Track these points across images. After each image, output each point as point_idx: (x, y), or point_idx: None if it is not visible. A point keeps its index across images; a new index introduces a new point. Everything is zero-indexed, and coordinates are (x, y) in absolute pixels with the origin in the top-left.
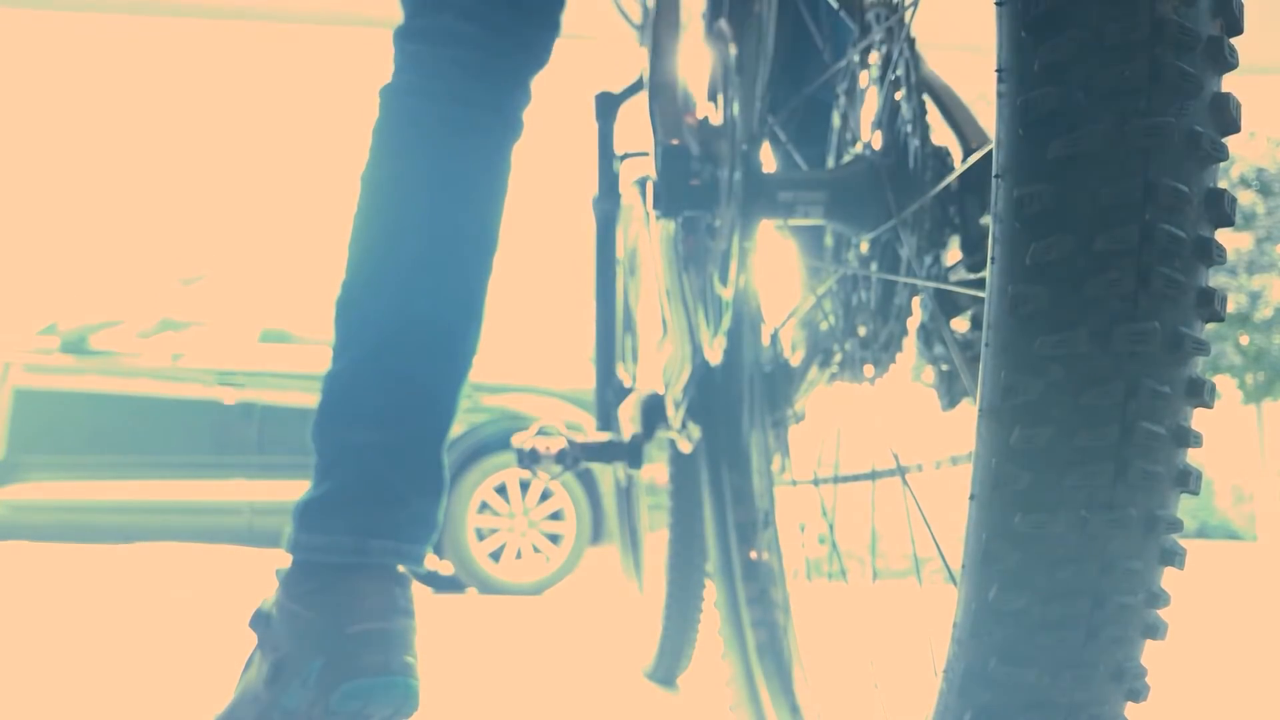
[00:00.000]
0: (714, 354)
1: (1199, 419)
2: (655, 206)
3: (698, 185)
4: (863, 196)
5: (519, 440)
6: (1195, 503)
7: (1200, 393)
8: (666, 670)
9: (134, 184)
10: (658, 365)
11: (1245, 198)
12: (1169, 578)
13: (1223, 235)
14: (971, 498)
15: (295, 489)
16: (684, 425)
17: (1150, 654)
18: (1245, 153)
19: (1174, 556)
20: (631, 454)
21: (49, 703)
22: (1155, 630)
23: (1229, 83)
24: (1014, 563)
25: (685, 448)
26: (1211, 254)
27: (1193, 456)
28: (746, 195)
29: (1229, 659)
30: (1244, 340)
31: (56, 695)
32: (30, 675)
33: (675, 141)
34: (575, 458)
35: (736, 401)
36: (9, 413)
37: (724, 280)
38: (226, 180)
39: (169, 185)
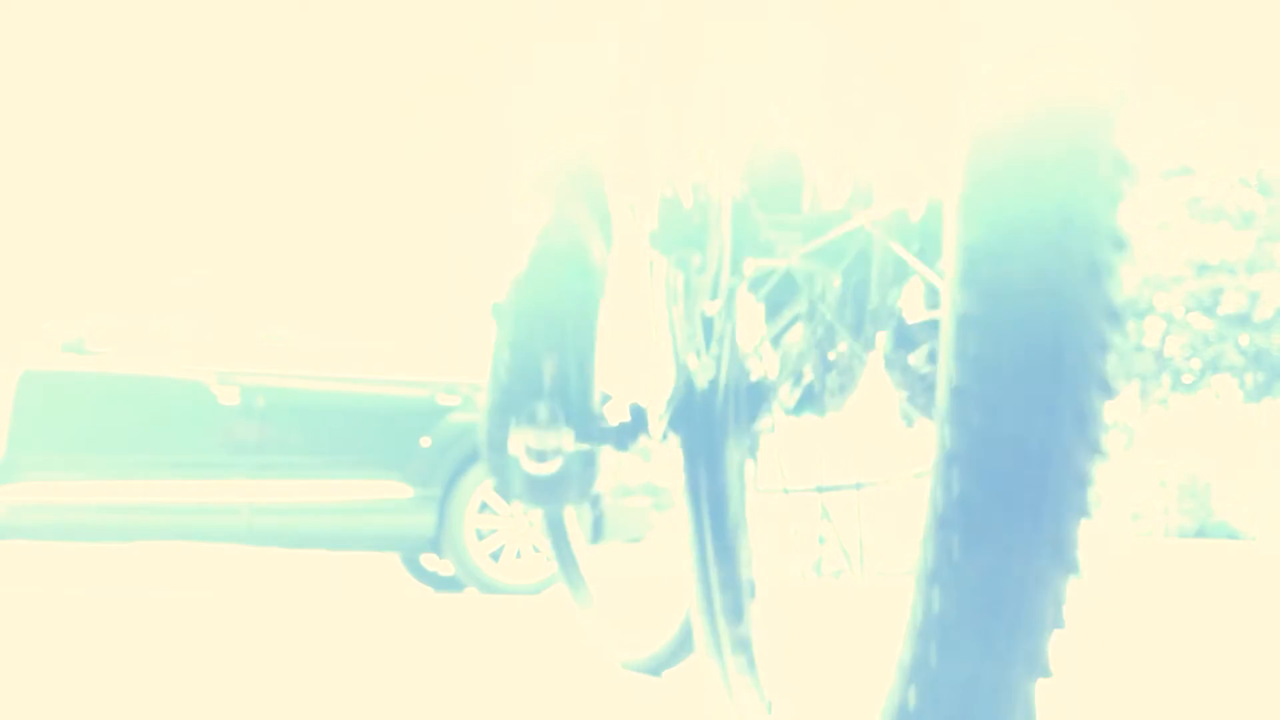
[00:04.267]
0: (697, 372)
1: (1199, 419)
2: (654, 245)
3: (690, 228)
4: (835, 240)
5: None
6: (1195, 502)
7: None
8: (659, 662)
9: (135, 183)
10: (642, 379)
11: (1245, 198)
12: (1169, 578)
13: (1223, 235)
14: (926, 511)
15: (295, 489)
16: (665, 435)
17: (1151, 653)
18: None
19: (1075, 566)
20: (619, 436)
21: (49, 702)
22: (1059, 621)
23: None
24: (950, 568)
25: (666, 457)
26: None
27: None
28: (734, 236)
29: (1229, 659)
30: (1244, 340)
31: (57, 695)
32: (30, 675)
33: (670, 191)
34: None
35: (715, 415)
36: (10, 412)
37: (709, 308)
38: (228, 179)
39: (171, 185)
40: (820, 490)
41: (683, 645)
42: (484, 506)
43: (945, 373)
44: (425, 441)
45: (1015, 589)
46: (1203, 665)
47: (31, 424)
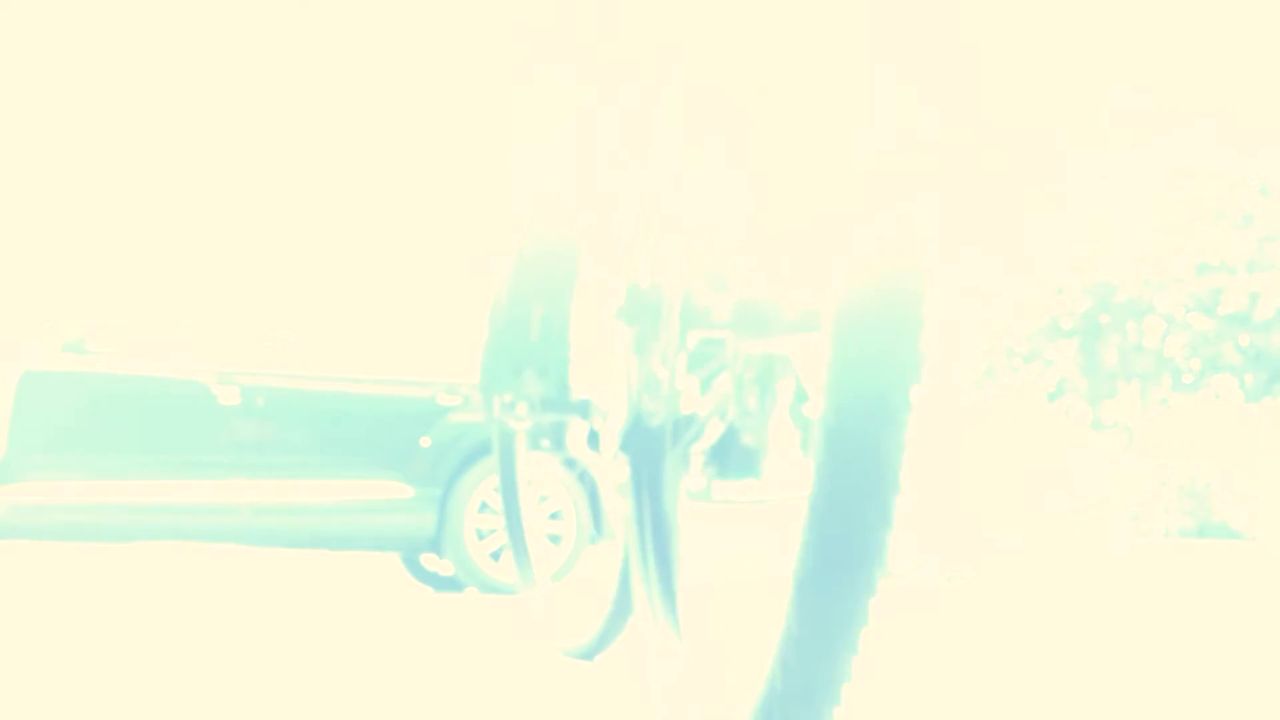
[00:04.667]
0: (646, 409)
1: (1199, 419)
2: (619, 318)
3: (648, 306)
4: (757, 317)
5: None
6: (1195, 502)
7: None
8: (591, 648)
9: (135, 183)
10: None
11: (1245, 198)
12: (1169, 578)
13: (1223, 235)
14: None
15: (295, 489)
16: (615, 455)
17: (1151, 653)
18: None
19: (875, 588)
20: (582, 409)
21: (49, 703)
22: (866, 620)
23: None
24: (810, 583)
25: (612, 476)
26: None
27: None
28: (681, 313)
29: (1229, 658)
30: (1244, 340)
31: (57, 695)
32: (30, 675)
33: (634, 277)
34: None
35: (658, 440)
36: (10, 412)
37: (659, 363)
38: (228, 180)
39: (171, 185)
40: (714, 502)
41: (610, 632)
42: (484, 506)
43: (819, 423)
44: (425, 441)
45: (856, 556)
46: (1203, 665)
47: (31, 424)
